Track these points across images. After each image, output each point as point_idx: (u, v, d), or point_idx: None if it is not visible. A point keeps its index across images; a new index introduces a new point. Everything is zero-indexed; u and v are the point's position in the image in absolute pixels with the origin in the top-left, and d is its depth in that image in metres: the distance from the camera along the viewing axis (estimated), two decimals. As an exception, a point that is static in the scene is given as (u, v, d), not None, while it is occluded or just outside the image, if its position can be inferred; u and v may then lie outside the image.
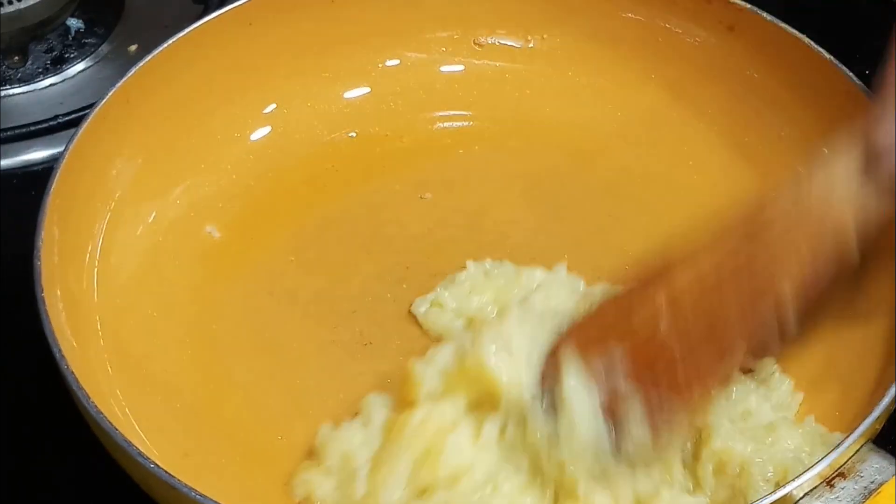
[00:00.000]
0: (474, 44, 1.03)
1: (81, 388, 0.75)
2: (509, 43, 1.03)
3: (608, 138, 1.00)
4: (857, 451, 0.71)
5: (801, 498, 0.70)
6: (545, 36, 1.03)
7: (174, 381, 0.86)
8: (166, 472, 0.71)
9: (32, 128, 1.06)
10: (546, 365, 0.75)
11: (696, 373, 0.73)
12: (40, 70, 1.11)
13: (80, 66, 1.12)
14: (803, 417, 0.83)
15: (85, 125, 0.88)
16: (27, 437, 0.88)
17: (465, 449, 0.76)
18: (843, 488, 0.70)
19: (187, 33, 0.94)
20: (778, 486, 0.75)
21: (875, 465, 0.71)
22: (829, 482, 0.70)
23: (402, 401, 0.80)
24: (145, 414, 0.83)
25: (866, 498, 0.70)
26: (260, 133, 0.99)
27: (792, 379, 0.85)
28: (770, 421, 0.82)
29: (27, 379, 0.89)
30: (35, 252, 0.81)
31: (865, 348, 0.84)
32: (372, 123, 1.00)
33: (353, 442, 0.80)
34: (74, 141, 0.87)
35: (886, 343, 0.83)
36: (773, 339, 0.71)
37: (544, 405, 0.74)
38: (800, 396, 0.85)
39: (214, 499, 0.70)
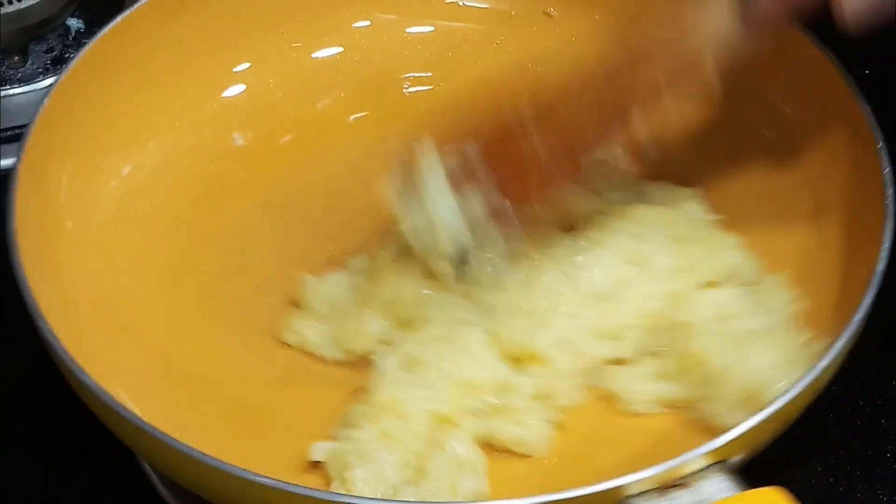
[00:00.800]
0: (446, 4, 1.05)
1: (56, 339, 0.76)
2: (478, 5, 1.05)
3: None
4: (702, 469, 0.70)
5: (633, 496, 0.69)
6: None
7: (145, 326, 0.87)
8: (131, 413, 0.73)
9: (32, 128, 1.08)
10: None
11: (544, 175, 0.82)
12: (40, 70, 1.14)
13: (79, 67, 1.15)
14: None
15: (60, 80, 0.90)
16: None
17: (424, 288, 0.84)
18: (673, 498, 0.69)
19: (163, -8, 0.97)
20: (750, 405, 0.77)
21: (716, 485, 0.69)
22: (663, 489, 0.69)
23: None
24: (121, 363, 0.84)
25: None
26: (232, 91, 1.01)
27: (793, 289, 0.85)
28: (751, 329, 0.82)
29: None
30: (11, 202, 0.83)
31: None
32: (342, 83, 1.02)
33: (338, 287, 0.87)
34: (49, 97, 0.89)
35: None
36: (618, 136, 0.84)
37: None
38: (794, 306, 0.85)
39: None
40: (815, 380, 0.74)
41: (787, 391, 0.72)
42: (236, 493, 0.71)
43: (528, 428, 0.80)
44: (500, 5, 1.04)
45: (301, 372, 0.85)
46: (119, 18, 0.94)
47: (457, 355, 0.80)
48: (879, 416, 0.90)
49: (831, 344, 0.75)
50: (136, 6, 0.95)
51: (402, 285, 0.84)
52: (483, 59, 1.03)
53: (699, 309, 0.84)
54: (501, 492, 0.78)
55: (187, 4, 0.98)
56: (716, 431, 0.76)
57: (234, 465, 0.69)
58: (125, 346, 0.85)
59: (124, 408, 0.73)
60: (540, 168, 0.83)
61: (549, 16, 1.03)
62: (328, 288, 0.87)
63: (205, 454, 0.70)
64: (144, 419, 0.73)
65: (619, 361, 0.83)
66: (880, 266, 0.78)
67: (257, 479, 0.68)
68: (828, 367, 0.74)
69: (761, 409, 0.72)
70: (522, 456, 0.80)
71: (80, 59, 0.92)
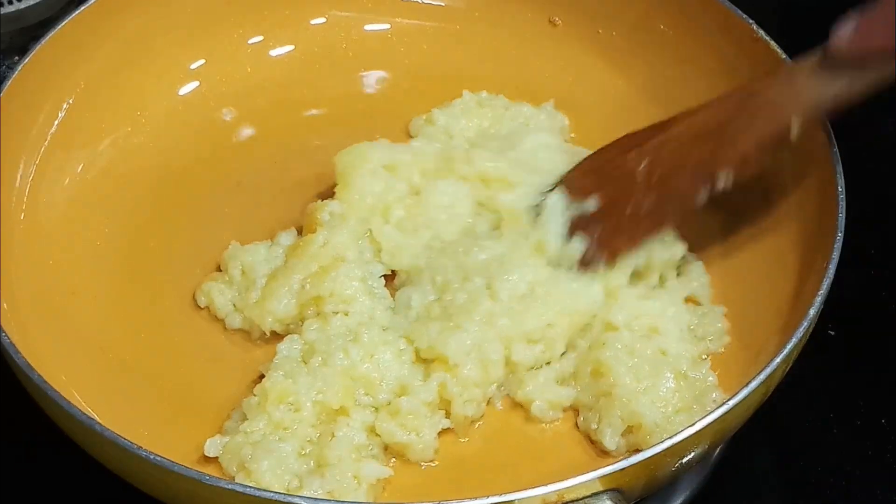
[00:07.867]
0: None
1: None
2: (435, 3, 1.05)
3: (535, 93, 1.01)
4: (594, 493, 0.71)
5: None
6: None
7: (87, 317, 0.88)
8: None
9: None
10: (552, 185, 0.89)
11: (638, 234, 0.86)
12: (40, 69, 1.12)
13: (77, 66, 1.12)
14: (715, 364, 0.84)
15: (14, 78, 0.89)
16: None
17: (353, 281, 0.84)
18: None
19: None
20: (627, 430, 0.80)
21: None
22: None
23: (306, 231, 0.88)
24: (62, 352, 0.84)
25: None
26: (188, 88, 1.00)
27: (730, 323, 0.86)
28: (664, 350, 0.83)
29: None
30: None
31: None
32: (298, 80, 1.02)
33: (256, 257, 0.87)
34: (2, 94, 0.88)
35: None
36: (703, 198, 0.85)
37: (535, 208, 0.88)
38: (726, 340, 0.86)
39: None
40: (695, 435, 0.72)
41: (661, 442, 0.72)
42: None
43: (415, 433, 0.80)
44: (456, 3, 1.04)
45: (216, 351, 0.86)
46: (72, 15, 0.94)
47: (357, 351, 0.81)
48: (879, 416, 0.91)
49: (726, 401, 0.73)
50: (88, 3, 0.94)
51: (321, 271, 0.84)
52: (439, 57, 1.03)
53: (627, 310, 0.84)
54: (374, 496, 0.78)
55: (145, 2, 0.97)
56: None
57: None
58: (66, 336, 0.86)
59: (51, 386, 0.74)
60: (637, 227, 0.86)
61: (555, 24, 1.04)
62: (246, 255, 0.88)
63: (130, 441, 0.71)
64: (84, 410, 0.74)
65: (531, 366, 0.83)
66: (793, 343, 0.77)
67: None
68: (714, 422, 0.73)
69: (638, 448, 0.72)
70: (410, 461, 0.80)
71: (33, 57, 0.91)
